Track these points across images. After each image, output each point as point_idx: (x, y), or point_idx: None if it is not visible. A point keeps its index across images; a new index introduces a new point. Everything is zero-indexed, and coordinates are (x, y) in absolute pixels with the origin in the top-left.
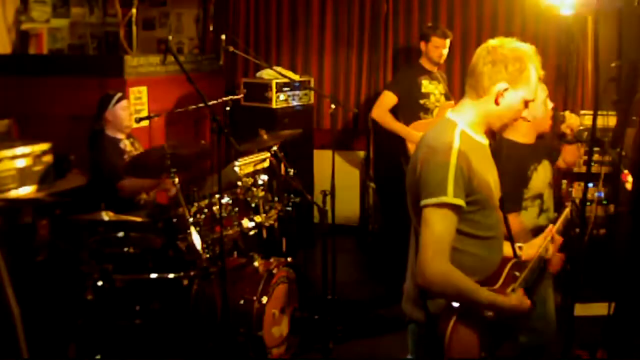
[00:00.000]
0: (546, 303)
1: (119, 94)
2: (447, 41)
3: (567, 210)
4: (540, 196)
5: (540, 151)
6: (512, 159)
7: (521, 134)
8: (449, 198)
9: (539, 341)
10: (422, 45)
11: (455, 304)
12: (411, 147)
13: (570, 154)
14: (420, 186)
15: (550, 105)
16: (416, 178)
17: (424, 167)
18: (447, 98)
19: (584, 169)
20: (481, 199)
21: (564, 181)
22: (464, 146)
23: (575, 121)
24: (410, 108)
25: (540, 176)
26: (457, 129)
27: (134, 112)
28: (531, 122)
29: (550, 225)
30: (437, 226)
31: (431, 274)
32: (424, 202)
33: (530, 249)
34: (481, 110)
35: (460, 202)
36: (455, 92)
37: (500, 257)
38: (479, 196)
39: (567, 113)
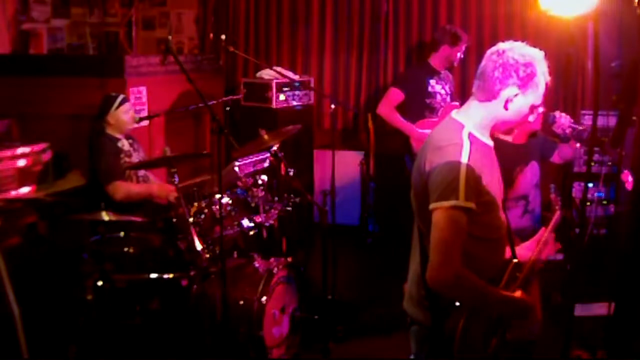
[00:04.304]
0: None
1: (122, 96)
2: None
3: (557, 214)
4: (525, 197)
5: (530, 152)
6: (498, 159)
7: (513, 134)
8: (461, 201)
9: (528, 337)
10: (445, 48)
11: (462, 306)
12: (416, 145)
13: (567, 151)
14: (429, 188)
15: (541, 109)
16: (424, 179)
17: (434, 169)
18: (452, 99)
19: (584, 169)
20: (488, 201)
21: (552, 185)
22: (473, 148)
23: (566, 121)
24: (417, 107)
25: (527, 178)
26: (464, 131)
27: (133, 111)
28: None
29: (543, 228)
30: (449, 229)
31: (444, 277)
32: (435, 205)
33: (521, 251)
34: (489, 114)
35: (472, 205)
36: (455, 91)
37: (502, 258)
38: (487, 198)
39: (557, 113)
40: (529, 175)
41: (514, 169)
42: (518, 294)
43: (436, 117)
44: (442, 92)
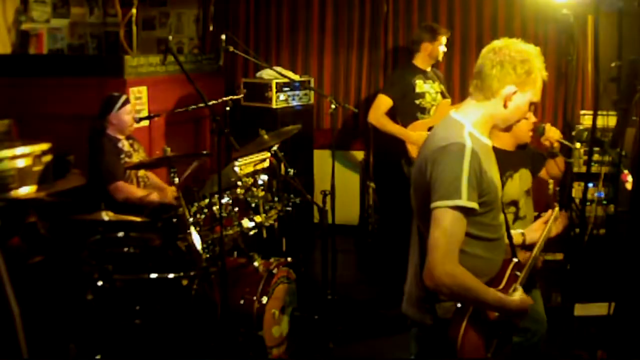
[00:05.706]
0: (535, 304)
1: (124, 97)
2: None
3: (556, 210)
4: (515, 203)
5: (520, 160)
6: None
7: (501, 141)
8: (464, 201)
9: (531, 341)
10: (426, 45)
11: (464, 307)
12: (411, 149)
13: (552, 167)
14: (431, 187)
15: (534, 119)
16: (426, 179)
17: (436, 168)
18: (444, 96)
19: (584, 169)
20: (490, 200)
21: (551, 181)
22: (474, 147)
23: (555, 134)
24: (407, 109)
25: (516, 184)
26: (465, 130)
27: (134, 112)
28: (510, 132)
29: (550, 210)
30: (449, 228)
31: (440, 275)
32: (436, 203)
33: (532, 233)
34: (488, 112)
35: (474, 205)
36: (455, 91)
37: (502, 258)
38: (488, 197)
39: (547, 125)
40: (518, 181)
41: (502, 174)
42: (517, 294)
43: (428, 116)
44: (432, 90)
